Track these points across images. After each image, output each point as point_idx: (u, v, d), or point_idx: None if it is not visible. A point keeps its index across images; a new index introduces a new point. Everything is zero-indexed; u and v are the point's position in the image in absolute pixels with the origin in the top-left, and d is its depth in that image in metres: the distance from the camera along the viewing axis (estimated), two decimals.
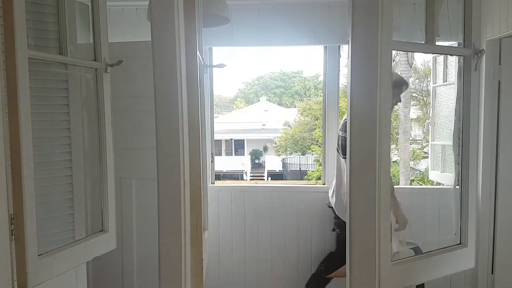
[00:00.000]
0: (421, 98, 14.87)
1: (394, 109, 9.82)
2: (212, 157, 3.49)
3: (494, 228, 3.01)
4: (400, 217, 2.53)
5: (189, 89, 1.77)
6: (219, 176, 19.38)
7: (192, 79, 1.78)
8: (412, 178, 11.16)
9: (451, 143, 2.35)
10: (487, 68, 2.89)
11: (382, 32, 1.62)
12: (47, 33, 1.93)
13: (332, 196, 2.99)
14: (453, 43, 2.29)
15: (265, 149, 24.48)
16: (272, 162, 22.17)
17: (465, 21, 2.02)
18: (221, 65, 2.67)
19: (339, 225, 2.92)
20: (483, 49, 2.02)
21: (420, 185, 10.25)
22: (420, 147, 13.86)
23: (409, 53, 8.95)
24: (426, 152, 12.42)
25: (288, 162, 20.26)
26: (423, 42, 1.93)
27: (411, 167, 11.66)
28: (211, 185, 3.46)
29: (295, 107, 25.38)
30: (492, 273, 3.03)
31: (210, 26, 2.93)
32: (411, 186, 8.11)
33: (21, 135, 1.51)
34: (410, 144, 12.57)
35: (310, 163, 18.62)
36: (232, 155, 25.15)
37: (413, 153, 12.58)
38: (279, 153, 21.54)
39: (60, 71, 2.04)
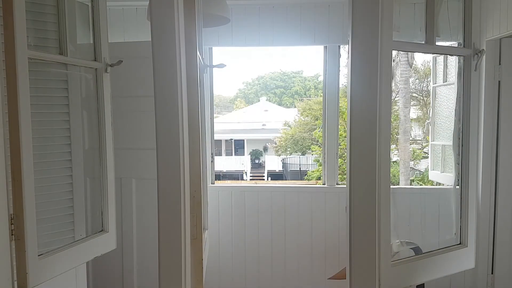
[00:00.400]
0: (421, 98, 14.86)
1: (394, 109, 9.81)
2: (212, 157, 3.49)
3: (494, 228, 3.02)
4: None
5: (189, 89, 1.76)
6: (219, 176, 19.38)
7: (192, 79, 1.78)
8: (412, 178, 11.16)
9: (451, 143, 2.35)
10: (487, 68, 2.89)
11: (382, 32, 1.62)
12: (47, 33, 1.93)
13: None
14: (453, 43, 2.29)
15: (265, 149, 24.47)
16: (272, 162, 22.16)
17: (465, 21, 2.02)
18: (221, 65, 2.67)
19: None
20: (483, 49, 2.02)
21: (420, 185, 10.25)
22: (420, 147, 13.86)
23: (409, 53, 8.95)
24: (426, 152, 12.42)
25: (288, 162, 20.24)
26: (423, 42, 1.93)
27: (411, 167, 11.66)
28: (211, 185, 3.46)
29: (295, 107, 25.35)
30: (492, 273, 3.03)
31: (210, 26, 2.93)
32: (411, 186, 8.11)
33: (21, 135, 1.51)
34: (410, 144, 12.57)
35: (310, 163, 18.61)
36: (232, 155, 25.12)
37: (413, 153, 12.57)
38: (279, 153, 21.53)
39: (60, 71, 2.05)
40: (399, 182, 9.50)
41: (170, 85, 1.54)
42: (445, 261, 2.02)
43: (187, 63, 1.71)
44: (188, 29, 1.74)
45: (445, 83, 3.25)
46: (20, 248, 1.53)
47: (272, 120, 24.29)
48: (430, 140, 3.64)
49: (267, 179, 20.73)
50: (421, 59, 14.99)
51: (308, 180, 14.02)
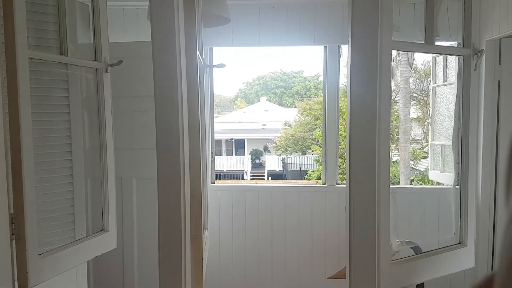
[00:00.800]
0: (421, 98, 14.85)
1: (394, 109, 9.82)
2: (212, 157, 3.50)
3: (494, 228, 3.02)
4: None
5: (189, 89, 1.77)
6: (219, 176, 19.38)
7: (192, 79, 1.79)
8: (412, 178, 11.16)
9: (451, 143, 2.35)
10: (487, 68, 2.89)
11: (382, 32, 1.63)
12: (48, 33, 1.94)
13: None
14: (453, 43, 2.30)
15: (265, 149, 24.47)
16: (272, 162, 22.16)
17: (464, 21, 2.03)
18: (221, 65, 2.67)
19: None
20: (483, 49, 2.02)
21: (420, 185, 10.25)
22: (420, 147, 13.85)
23: (409, 53, 8.95)
24: (426, 152, 12.42)
25: (288, 162, 20.25)
26: (423, 42, 1.93)
27: (411, 167, 11.65)
28: (211, 185, 3.46)
29: (295, 107, 25.34)
30: None
31: (210, 26, 2.93)
32: (411, 186, 8.11)
33: (22, 135, 1.52)
34: (410, 144, 12.56)
35: (310, 163, 18.62)
36: (232, 155, 25.12)
37: (413, 153, 12.57)
38: (279, 153, 21.53)
39: (61, 71, 2.05)
40: (399, 182, 9.50)
41: (170, 85, 1.54)
42: (444, 261, 2.03)
43: (187, 63, 1.71)
44: (188, 29, 1.75)
45: (445, 83, 3.26)
46: (21, 247, 1.54)
47: (272, 120, 24.29)
48: (430, 140, 3.64)
49: (267, 179, 20.73)
50: (421, 59, 14.96)
51: (308, 179, 14.03)
